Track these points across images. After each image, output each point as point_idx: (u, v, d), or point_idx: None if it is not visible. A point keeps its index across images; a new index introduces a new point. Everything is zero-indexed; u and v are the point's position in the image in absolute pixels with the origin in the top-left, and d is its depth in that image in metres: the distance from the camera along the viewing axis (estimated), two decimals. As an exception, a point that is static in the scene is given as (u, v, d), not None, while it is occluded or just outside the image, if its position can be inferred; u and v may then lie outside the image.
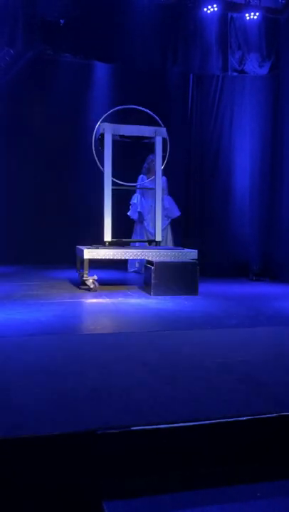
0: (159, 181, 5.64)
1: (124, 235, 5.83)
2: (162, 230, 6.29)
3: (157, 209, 5.62)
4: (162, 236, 6.29)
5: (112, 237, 5.36)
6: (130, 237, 6.70)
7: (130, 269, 6.78)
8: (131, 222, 6.87)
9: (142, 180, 6.53)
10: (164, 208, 6.40)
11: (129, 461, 1.61)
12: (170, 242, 6.67)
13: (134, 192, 6.73)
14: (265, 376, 2.24)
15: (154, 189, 5.87)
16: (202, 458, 1.67)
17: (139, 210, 6.65)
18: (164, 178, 6.44)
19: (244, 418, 1.73)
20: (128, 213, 6.76)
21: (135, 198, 6.72)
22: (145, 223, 6.61)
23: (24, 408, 1.77)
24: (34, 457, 1.52)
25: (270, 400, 1.93)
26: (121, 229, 5.83)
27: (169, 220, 6.65)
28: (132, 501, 1.52)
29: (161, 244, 6.17)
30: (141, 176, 6.58)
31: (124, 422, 1.66)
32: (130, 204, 6.77)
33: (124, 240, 5.57)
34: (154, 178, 5.97)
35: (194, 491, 1.58)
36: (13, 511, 1.47)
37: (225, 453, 1.70)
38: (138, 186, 6.45)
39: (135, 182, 6.18)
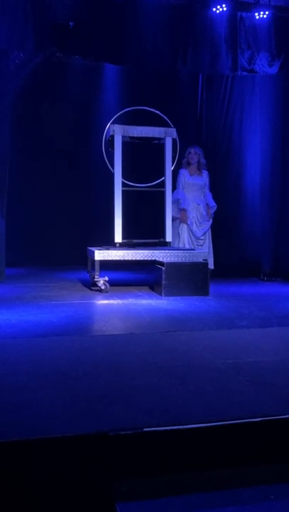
0: (169, 182, 5.63)
1: (135, 235, 5.82)
2: (206, 231, 6.02)
3: (167, 209, 5.61)
4: (204, 237, 5.98)
5: (124, 237, 5.37)
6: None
7: None
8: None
9: (183, 174, 6.08)
10: (209, 206, 6.08)
11: (141, 463, 1.61)
12: (210, 244, 6.14)
13: (174, 188, 6.10)
14: (278, 377, 2.23)
15: (197, 184, 5.87)
16: (215, 459, 1.67)
17: (182, 207, 6.02)
18: (206, 172, 6.17)
19: (257, 419, 1.73)
20: None
21: (179, 194, 6.10)
22: (189, 222, 6.00)
23: (37, 410, 1.79)
24: (47, 459, 1.54)
25: (282, 401, 1.92)
26: (132, 230, 5.83)
27: (211, 220, 6.14)
28: (144, 503, 1.53)
29: (203, 246, 5.90)
30: (182, 169, 6.12)
31: (136, 423, 1.66)
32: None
33: (134, 240, 5.58)
34: (199, 175, 5.99)
35: (207, 493, 1.58)
36: (27, 512, 1.48)
37: (238, 454, 1.70)
38: (181, 188, 6.00)
39: (145, 183, 6.14)
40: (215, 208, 6.12)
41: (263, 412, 1.78)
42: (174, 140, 5.57)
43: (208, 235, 6.15)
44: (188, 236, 6.00)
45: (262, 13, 6.18)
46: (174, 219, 6.10)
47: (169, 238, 5.60)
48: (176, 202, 6.06)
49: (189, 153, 6.08)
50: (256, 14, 6.20)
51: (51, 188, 7.42)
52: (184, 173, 6.08)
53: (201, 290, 4.79)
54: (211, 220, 6.12)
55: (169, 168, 5.60)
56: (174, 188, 6.13)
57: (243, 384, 2.13)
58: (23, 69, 6.83)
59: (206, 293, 4.80)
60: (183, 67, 6.33)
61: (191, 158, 6.08)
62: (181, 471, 1.64)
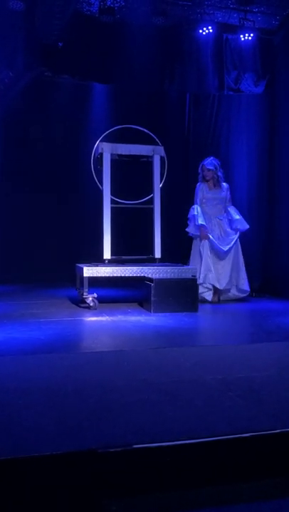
0: (158, 199, 5.65)
1: (124, 252, 5.82)
2: (232, 247, 5.60)
3: (156, 226, 5.62)
4: (230, 253, 5.56)
5: (112, 254, 5.38)
6: (187, 259, 5.76)
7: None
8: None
9: (201, 189, 5.77)
10: (232, 220, 5.70)
11: (131, 480, 1.59)
12: (241, 260, 5.69)
13: (192, 203, 5.82)
14: (267, 392, 2.23)
15: (217, 198, 5.70)
16: (205, 476, 1.66)
17: (199, 223, 5.55)
18: (227, 185, 5.85)
19: (247, 435, 1.72)
20: (187, 229, 5.73)
21: (195, 210, 5.67)
22: (211, 237, 5.56)
23: (25, 428, 1.76)
24: (35, 477, 1.51)
25: (272, 416, 1.91)
26: (121, 246, 5.84)
27: (238, 233, 5.69)
28: (134, 521, 1.50)
29: (232, 263, 5.57)
30: (199, 184, 5.82)
31: (126, 440, 1.64)
32: (188, 218, 5.74)
33: (123, 257, 5.59)
34: (218, 189, 5.75)
35: (198, 510, 1.56)
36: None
37: (228, 470, 1.68)
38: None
39: (134, 200, 6.12)
40: (243, 228, 5.69)
41: (254, 427, 1.77)
42: (162, 158, 5.63)
43: (237, 252, 5.66)
44: (210, 254, 5.50)
45: (247, 35, 6.33)
46: (194, 237, 5.72)
47: (158, 254, 5.61)
48: (192, 219, 5.65)
49: (202, 170, 5.79)
50: (241, 36, 6.35)
51: (40, 205, 7.42)
52: (202, 188, 5.75)
53: (191, 306, 4.79)
54: (238, 233, 5.66)
55: (157, 185, 5.65)
56: (192, 203, 5.85)
57: (233, 399, 2.12)
58: (13, 88, 6.88)
59: (195, 309, 4.79)
60: (170, 87, 6.44)
61: (206, 175, 5.77)
62: (171, 488, 1.61)
